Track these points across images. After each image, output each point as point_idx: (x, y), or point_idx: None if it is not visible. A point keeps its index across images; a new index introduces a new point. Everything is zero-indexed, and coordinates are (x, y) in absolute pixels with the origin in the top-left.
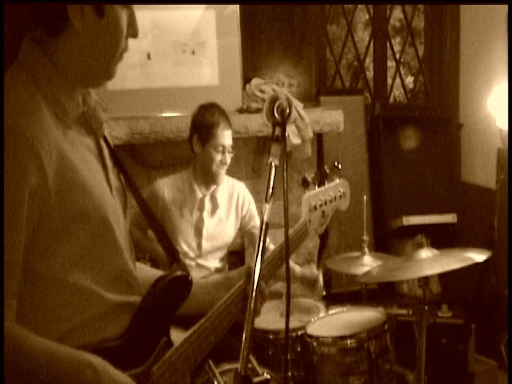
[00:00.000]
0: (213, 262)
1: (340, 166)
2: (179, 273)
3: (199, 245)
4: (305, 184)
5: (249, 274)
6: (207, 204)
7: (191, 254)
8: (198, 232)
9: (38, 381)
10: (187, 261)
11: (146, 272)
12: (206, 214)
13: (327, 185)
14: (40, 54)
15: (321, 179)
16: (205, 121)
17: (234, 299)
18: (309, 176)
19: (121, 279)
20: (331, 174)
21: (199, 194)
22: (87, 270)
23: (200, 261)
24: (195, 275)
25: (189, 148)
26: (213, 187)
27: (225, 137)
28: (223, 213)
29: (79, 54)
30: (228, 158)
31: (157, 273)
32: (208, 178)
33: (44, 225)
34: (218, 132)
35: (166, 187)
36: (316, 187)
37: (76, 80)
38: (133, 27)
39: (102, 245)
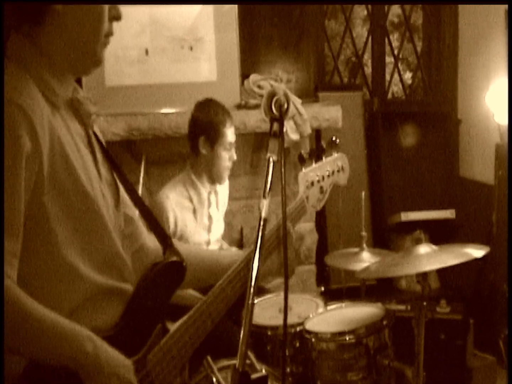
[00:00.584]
0: None
1: (337, 141)
2: (173, 258)
3: (208, 242)
4: (302, 160)
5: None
6: (213, 199)
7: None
8: (208, 228)
9: (37, 347)
10: None
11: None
12: (212, 209)
13: (324, 160)
14: (28, 45)
15: (318, 154)
16: (211, 121)
17: (231, 281)
18: (305, 153)
19: (111, 263)
20: (328, 149)
21: (205, 192)
22: (78, 248)
23: None
24: None
25: (188, 145)
26: (215, 186)
27: (231, 133)
28: (223, 207)
29: (65, 38)
30: (235, 154)
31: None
32: (214, 177)
33: (39, 199)
34: (226, 131)
35: (170, 202)
36: (314, 163)
37: (65, 67)
38: (115, 8)
39: (91, 225)
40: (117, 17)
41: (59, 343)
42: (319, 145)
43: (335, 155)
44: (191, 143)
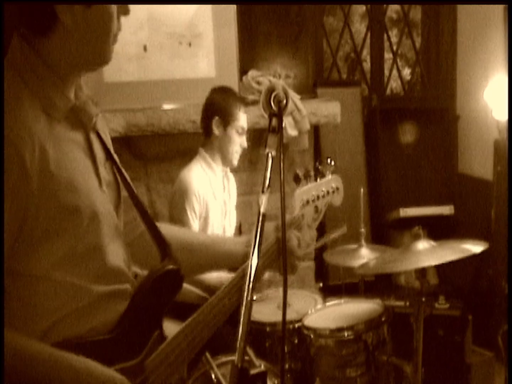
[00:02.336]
0: None
1: (333, 163)
2: (170, 267)
3: (224, 226)
4: (297, 180)
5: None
6: (226, 185)
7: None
8: (223, 213)
9: None
10: None
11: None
12: (226, 194)
13: (319, 180)
14: (29, 51)
15: (313, 175)
16: (227, 103)
17: (228, 292)
18: (301, 172)
19: (107, 273)
20: (323, 170)
21: (220, 174)
22: (71, 267)
23: None
24: None
25: (185, 141)
26: (226, 169)
27: (244, 119)
28: (234, 194)
29: (73, 46)
30: (245, 142)
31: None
32: (225, 160)
33: (28, 224)
34: (239, 114)
35: (195, 178)
36: (309, 183)
37: (70, 70)
38: (123, 5)
39: (89, 242)
40: (125, 13)
41: (39, 373)
42: (314, 166)
43: (330, 176)
44: (205, 124)
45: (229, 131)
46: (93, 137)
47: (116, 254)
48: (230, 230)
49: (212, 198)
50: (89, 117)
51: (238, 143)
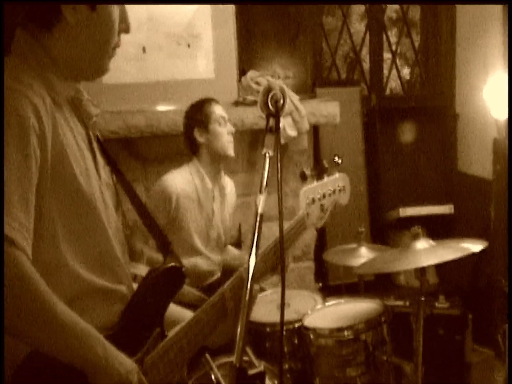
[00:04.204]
0: (219, 257)
1: (340, 161)
2: (172, 264)
3: (209, 236)
4: (303, 178)
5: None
6: (216, 194)
7: (202, 246)
8: (209, 222)
9: (49, 339)
10: (198, 254)
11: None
12: (216, 205)
13: (326, 179)
14: (34, 43)
15: (320, 173)
16: (198, 110)
17: (229, 292)
18: (307, 170)
19: (104, 263)
20: (330, 168)
21: (209, 185)
22: (69, 245)
23: (208, 253)
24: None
25: (186, 143)
26: (220, 178)
27: (220, 109)
28: (228, 204)
29: (72, 48)
30: (232, 126)
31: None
32: (221, 153)
33: (44, 193)
34: (212, 107)
35: (178, 183)
36: (315, 181)
37: (69, 73)
38: (125, 22)
39: (85, 224)
40: (126, 31)
41: (72, 341)
42: (321, 164)
43: (337, 175)
44: (190, 142)
45: (212, 127)
46: (92, 135)
47: (114, 246)
48: (216, 238)
49: (194, 206)
50: (88, 114)
51: (224, 133)
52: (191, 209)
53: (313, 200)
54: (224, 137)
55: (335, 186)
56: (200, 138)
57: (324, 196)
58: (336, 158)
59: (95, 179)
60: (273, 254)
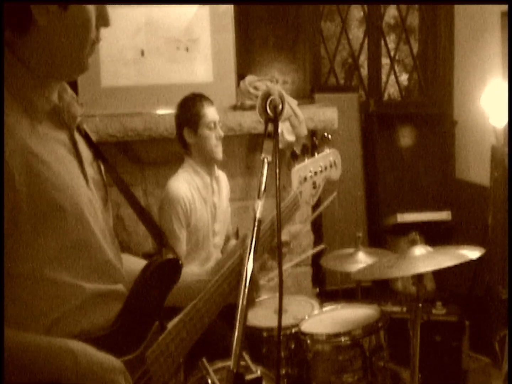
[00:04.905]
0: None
1: (330, 137)
2: (169, 256)
3: (214, 231)
4: (294, 156)
5: (244, 241)
6: (215, 187)
7: (210, 242)
8: (213, 216)
9: (18, 370)
10: (206, 253)
11: (133, 262)
12: (215, 197)
13: (316, 156)
14: (8, 54)
15: (311, 150)
16: (189, 109)
17: (227, 277)
18: (298, 149)
19: (100, 270)
20: (321, 145)
21: (207, 179)
22: (63, 264)
23: (215, 252)
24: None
25: (179, 140)
26: (214, 171)
27: (212, 112)
28: (225, 196)
29: (48, 50)
30: (221, 131)
31: (143, 263)
32: (208, 161)
33: (16, 224)
34: (204, 111)
35: (181, 188)
36: (306, 159)
37: (48, 75)
38: (103, 17)
39: (77, 238)
40: (105, 25)
41: (37, 362)
42: (311, 141)
43: (327, 150)
44: (180, 140)
45: (200, 132)
46: (78, 137)
47: (106, 250)
48: (220, 233)
49: (201, 204)
50: (73, 117)
51: (213, 137)
52: (199, 208)
53: (305, 178)
54: (212, 141)
55: (326, 162)
56: (189, 139)
57: (315, 173)
58: (326, 134)
59: (82, 187)
60: (269, 235)
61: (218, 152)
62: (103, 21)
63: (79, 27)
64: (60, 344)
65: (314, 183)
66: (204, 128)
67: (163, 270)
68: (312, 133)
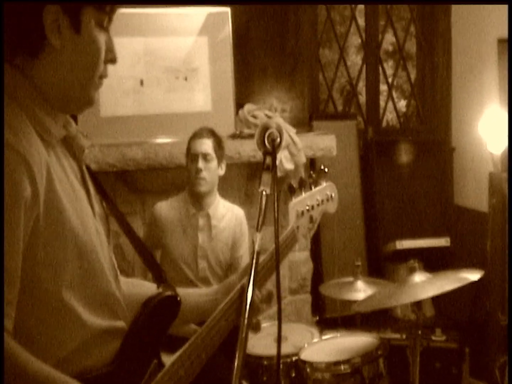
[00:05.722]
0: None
1: (326, 170)
2: (167, 293)
3: (196, 265)
4: (292, 190)
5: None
6: (201, 222)
7: (190, 275)
8: (194, 250)
9: None
10: (186, 284)
11: (140, 288)
12: (201, 233)
13: (313, 189)
14: (20, 78)
15: (307, 184)
16: (187, 145)
17: (224, 313)
18: (295, 183)
19: (105, 303)
20: (317, 178)
21: (192, 211)
22: (75, 291)
23: (200, 284)
24: None
25: (182, 174)
26: (205, 207)
27: (197, 145)
28: (220, 235)
29: (59, 75)
30: (202, 164)
31: (150, 287)
32: (194, 193)
33: (38, 241)
34: (191, 143)
35: (163, 208)
36: (303, 193)
37: (57, 104)
38: (111, 52)
39: (87, 266)
40: (113, 60)
41: None
42: (308, 175)
43: (324, 184)
44: None
45: (187, 163)
46: (84, 168)
47: (111, 283)
48: (206, 270)
49: (178, 231)
50: (81, 148)
51: (193, 170)
52: (175, 234)
53: (302, 213)
54: (192, 173)
55: (323, 195)
56: (186, 171)
57: (312, 207)
58: (322, 167)
59: (91, 217)
60: (268, 268)
61: (197, 184)
62: (111, 56)
63: (90, 54)
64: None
65: (311, 217)
66: (188, 161)
67: (162, 307)
68: (311, 164)
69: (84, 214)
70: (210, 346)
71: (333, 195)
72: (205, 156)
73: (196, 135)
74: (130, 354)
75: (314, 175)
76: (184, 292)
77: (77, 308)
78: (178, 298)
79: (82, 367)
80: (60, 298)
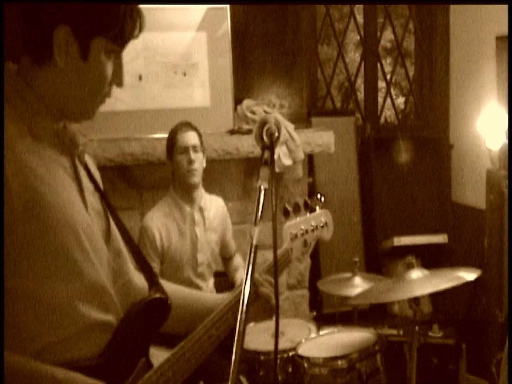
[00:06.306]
0: (210, 283)
1: (323, 199)
2: (157, 295)
3: (196, 261)
4: (286, 213)
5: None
6: (197, 218)
7: (190, 273)
8: (194, 247)
9: None
10: (188, 282)
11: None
12: (198, 227)
13: (308, 215)
14: (22, 84)
15: (302, 209)
16: (168, 139)
17: (215, 323)
18: (289, 206)
19: (94, 295)
20: (312, 204)
21: (187, 209)
22: (61, 282)
23: (198, 281)
24: None
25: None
26: (197, 199)
27: (185, 138)
28: (212, 226)
29: (59, 90)
30: (194, 156)
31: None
32: (186, 187)
33: (13, 240)
34: (177, 136)
35: (155, 218)
36: (297, 217)
37: (55, 111)
38: (118, 76)
39: (74, 258)
40: (118, 85)
41: None
42: (303, 200)
43: (319, 211)
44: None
45: (174, 158)
46: (80, 167)
47: (100, 276)
48: (204, 263)
49: (177, 236)
50: (75, 143)
51: (184, 162)
52: (175, 240)
53: (296, 235)
54: (183, 166)
55: (318, 222)
56: (169, 166)
57: (307, 231)
58: (319, 196)
59: (80, 211)
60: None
61: (190, 176)
62: (118, 80)
63: (94, 80)
64: (46, 373)
65: (305, 241)
66: (177, 154)
67: (151, 309)
68: (311, 160)
69: (71, 207)
70: (200, 352)
71: (328, 222)
72: (195, 148)
73: (181, 129)
74: (117, 351)
75: (309, 201)
76: (200, 296)
77: (63, 299)
78: (168, 302)
79: (68, 357)
80: (40, 295)
